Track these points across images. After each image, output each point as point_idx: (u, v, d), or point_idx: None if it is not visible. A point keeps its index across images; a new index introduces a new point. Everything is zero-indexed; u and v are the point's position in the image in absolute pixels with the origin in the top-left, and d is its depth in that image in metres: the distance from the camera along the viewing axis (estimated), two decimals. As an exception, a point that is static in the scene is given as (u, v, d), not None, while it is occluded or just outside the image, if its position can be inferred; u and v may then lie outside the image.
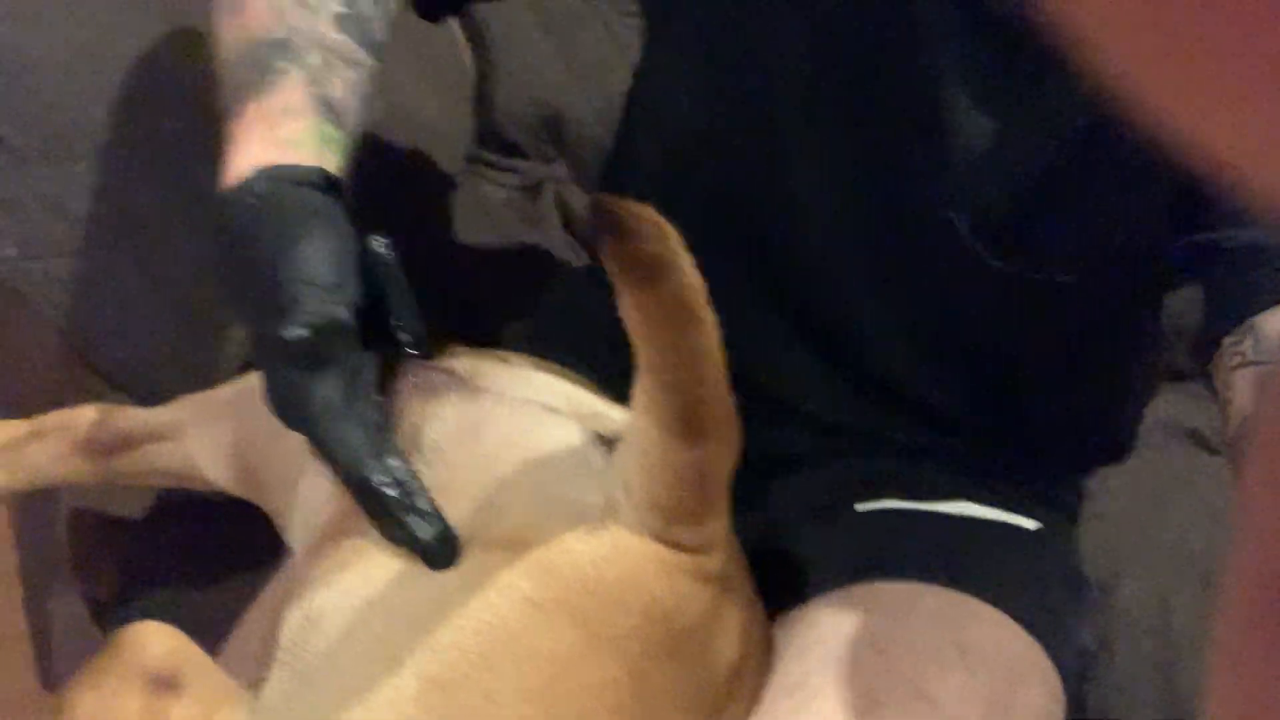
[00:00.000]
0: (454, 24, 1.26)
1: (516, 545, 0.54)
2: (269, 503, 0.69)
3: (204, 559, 0.88)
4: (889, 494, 0.76)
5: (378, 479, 0.54)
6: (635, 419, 0.53)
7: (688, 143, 0.73)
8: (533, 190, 1.29)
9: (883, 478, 0.77)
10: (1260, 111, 0.14)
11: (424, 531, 0.54)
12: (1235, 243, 0.62)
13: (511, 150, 1.32)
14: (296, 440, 0.63)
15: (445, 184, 1.22)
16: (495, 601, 0.52)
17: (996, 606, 0.67)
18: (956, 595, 0.67)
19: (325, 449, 0.55)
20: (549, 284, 1.14)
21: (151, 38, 0.84)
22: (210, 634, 0.86)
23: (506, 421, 0.58)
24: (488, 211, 1.25)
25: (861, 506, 0.76)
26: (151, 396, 0.82)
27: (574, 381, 0.64)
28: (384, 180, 1.02)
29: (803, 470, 0.77)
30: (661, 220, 0.46)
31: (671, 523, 0.54)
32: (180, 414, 0.74)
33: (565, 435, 0.58)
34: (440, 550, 0.54)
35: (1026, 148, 0.63)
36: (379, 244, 0.60)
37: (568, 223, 1.24)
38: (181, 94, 0.83)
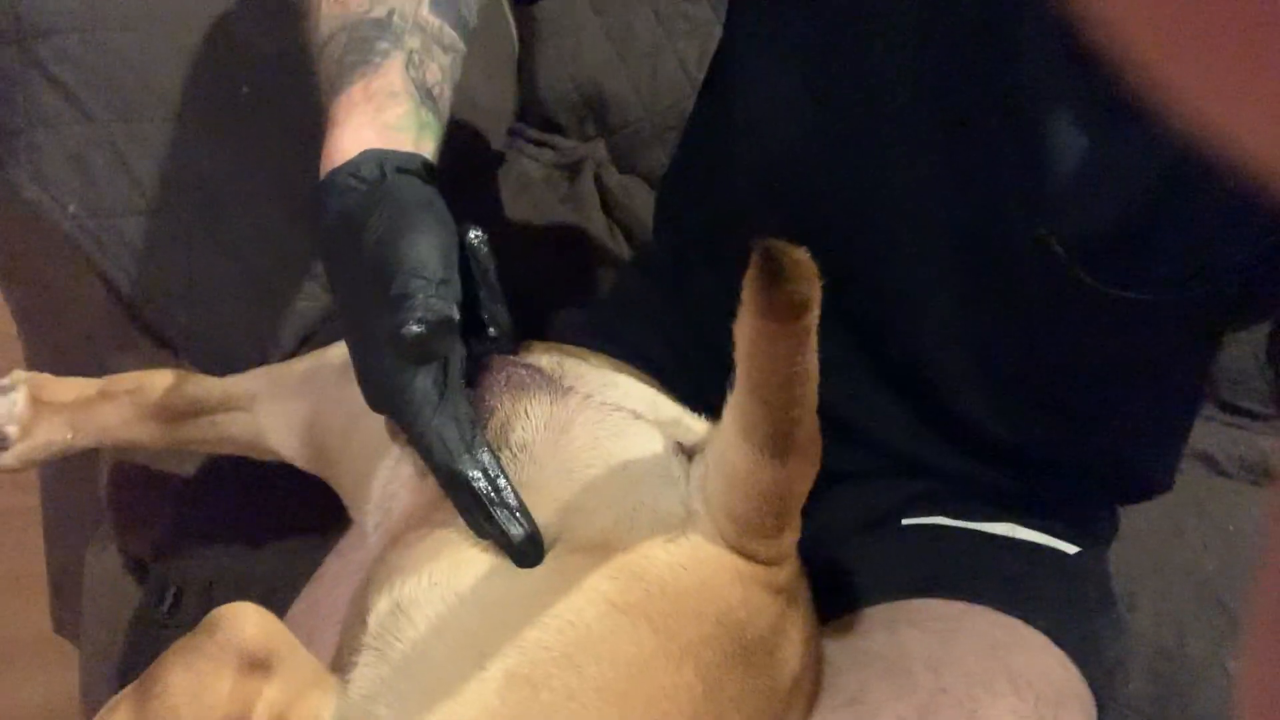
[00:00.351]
0: (504, -1, 1.25)
1: (601, 549, 0.55)
2: (340, 481, 0.70)
3: (249, 524, 0.89)
4: (936, 511, 0.78)
5: (470, 473, 0.55)
6: (725, 433, 0.54)
7: (784, 155, 0.73)
8: (571, 169, 1.29)
9: (930, 495, 0.78)
10: None
11: (512, 528, 0.55)
12: None
13: (551, 127, 1.32)
14: (377, 423, 0.64)
15: (488, 158, 1.22)
16: (580, 603, 0.53)
17: (1041, 631, 0.69)
18: (1004, 618, 0.69)
19: (419, 440, 0.56)
20: (593, 271, 1.14)
21: (229, 1, 0.84)
22: (252, 597, 0.88)
23: (594, 424, 0.59)
24: (527, 188, 1.25)
25: (908, 521, 0.78)
26: (210, 362, 0.82)
27: (652, 386, 0.65)
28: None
29: (851, 483, 0.78)
30: (814, 267, 0.46)
31: (749, 535, 0.56)
32: (255, 385, 0.75)
33: (649, 442, 0.59)
34: (527, 548, 0.55)
35: (1127, 168, 0.62)
36: (477, 238, 0.60)
37: (606, 206, 1.25)
38: (258, 59, 0.83)
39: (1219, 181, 0.61)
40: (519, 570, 0.55)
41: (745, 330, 0.48)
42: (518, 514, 0.55)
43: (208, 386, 0.77)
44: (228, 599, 0.84)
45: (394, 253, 0.55)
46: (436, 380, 0.56)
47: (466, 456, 0.55)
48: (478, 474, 0.55)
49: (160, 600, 0.92)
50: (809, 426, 0.53)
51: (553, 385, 0.61)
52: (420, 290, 0.53)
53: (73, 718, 1.18)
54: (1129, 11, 0.15)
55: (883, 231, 0.70)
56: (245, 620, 0.52)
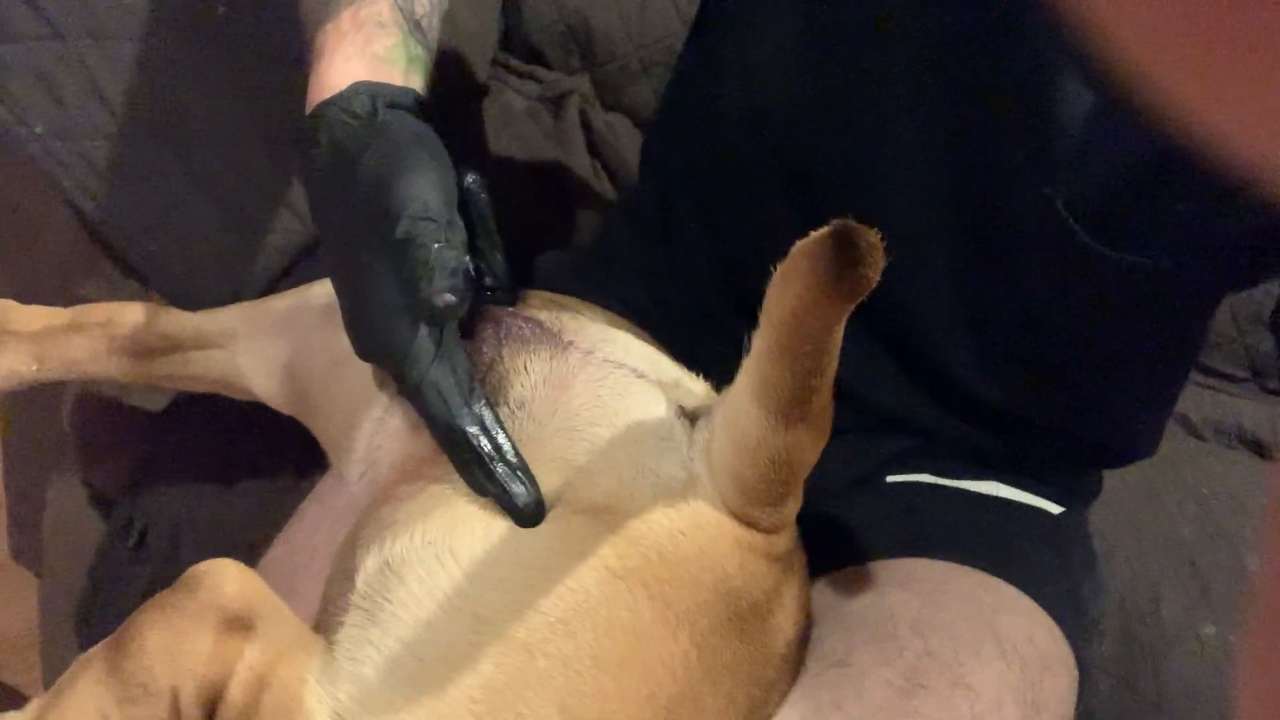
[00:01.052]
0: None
1: (601, 512, 0.53)
2: (320, 427, 0.68)
3: (221, 462, 0.87)
4: (921, 468, 0.77)
5: (469, 429, 0.53)
6: (738, 397, 0.52)
7: (778, 104, 0.71)
8: (555, 103, 1.26)
9: (915, 451, 0.78)
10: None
11: (514, 486, 0.53)
12: None
13: (535, 58, 1.28)
14: (363, 371, 0.62)
15: (472, 88, 1.18)
16: (578, 568, 0.52)
17: (1028, 594, 0.69)
18: (991, 580, 0.69)
19: (415, 393, 0.54)
20: (577, 213, 1.11)
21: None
22: (222, 538, 0.86)
23: (596, 382, 0.57)
24: (510, 121, 1.22)
25: (893, 478, 0.77)
26: (180, 294, 0.79)
27: (651, 343, 0.63)
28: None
29: (836, 439, 0.77)
30: (882, 250, 0.45)
31: (752, 502, 0.54)
32: (232, 322, 0.72)
33: (652, 403, 0.57)
34: (529, 508, 0.53)
35: (1126, 130, 0.60)
36: (475, 182, 0.58)
37: (592, 146, 1.21)
38: (237, -20, 0.78)
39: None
40: (516, 531, 0.53)
41: (790, 299, 0.46)
42: (519, 472, 0.53)
43: (182, 322, 0.74)
44: (196, 539, 0.82)
45: (393, 192, 0.53)
46: (433, 330, 0.54)
47: (465, 411, 0.53)
48: (477, 430, 0.53)
49: (126, 537, 0.90)
50: (825, 396, 0.52)
51: (552, 340, 0.59)
52: (428, 235, 0.51)
53: (29, 648, 1.16)
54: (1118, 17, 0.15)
55: (879, 186, 0.69)
56: (226, 577, 0.49)
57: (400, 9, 0.61)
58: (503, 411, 0.55)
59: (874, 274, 0.44)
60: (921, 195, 0.67)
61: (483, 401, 0.54)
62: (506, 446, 0.53)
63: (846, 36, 0.67)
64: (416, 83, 0.60)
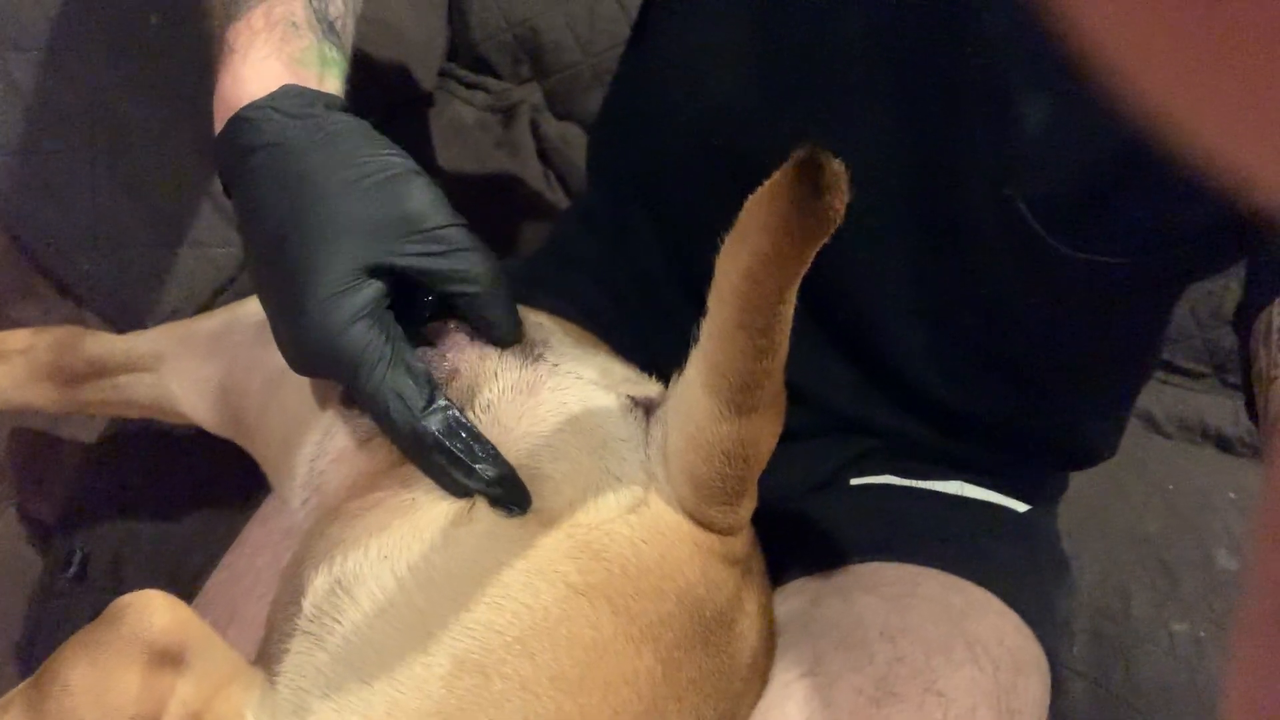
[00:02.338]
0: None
1: (561, 523, 0.51)
2: (258, 449, 0.65)
3: (161, 487, 0.83)
4: (884, 469, 0.76)
5: (434, 429, 0.51)
6: (689, 387, 0.50)
7: (724, 106, 0.69)
8: (506, 113, 1.24)
9: (877, 452, 0.76)
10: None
11: (492, 476, 0.51)
12: None
13: (484, 68, 1.26)
14: (300, 389, 0.59)
15: (418, 99, 1.16)
16: (538, 585, 0.49)
17: (997, 595, 0.67)
18: (959, 582, 0.67)
19: (373, 400, 0.51)
20: (530, 221, 1.09)
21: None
22: (164, 565, 0.82)
23: (562, 390, 0.55)
24: (459, 132, 1.20)
25: (856, 481, 0.76)
26: (117, 312, 0.76)
27: (611, 353, 0.61)
28: (353, 91, 0.97)
29: (796, 442, 0.76)
30: (848, 181, 0.43)
31: (707, 500, 0.52)
32: (161, 344, 0.68)
33: (614, 410, 0.55)
34: (514, 493, 0.51)
35: (1087, 129, 0.60)
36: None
37: (543, 154, 1.20)
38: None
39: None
40: (477, 544, 0.50)
41: (745, 256, 0.44)
42: (495, 461, 0.51)
43: (109, 345, 0.70)
44: (139, 567, 0.79)
45: (392, 199, 0.52)
46: (387, 333, 0.52)
47: (430, 411, 0.51)
48: (443, 428, 0.51)
49: (66, 567, 0.86)
50: (776, 382, 0.50)
51: (524, 348, 0.57)
52: (468, 242, 0.53)
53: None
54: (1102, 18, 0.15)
55: None
56: (153, 609, 0.46)
57: (314, 10, 0.59)
58: (468, 414, 0.53)
59: (840, 205, 0.42)
60: (878, 195, 0.65)
61: (444, 401, 0.52)
62: (478, 437, 0.51)
63: (796, 31, 0.65)
64: (333, 86, 0.58)
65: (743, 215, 0.44)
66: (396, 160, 0.54)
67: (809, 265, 0.45)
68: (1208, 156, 0.15)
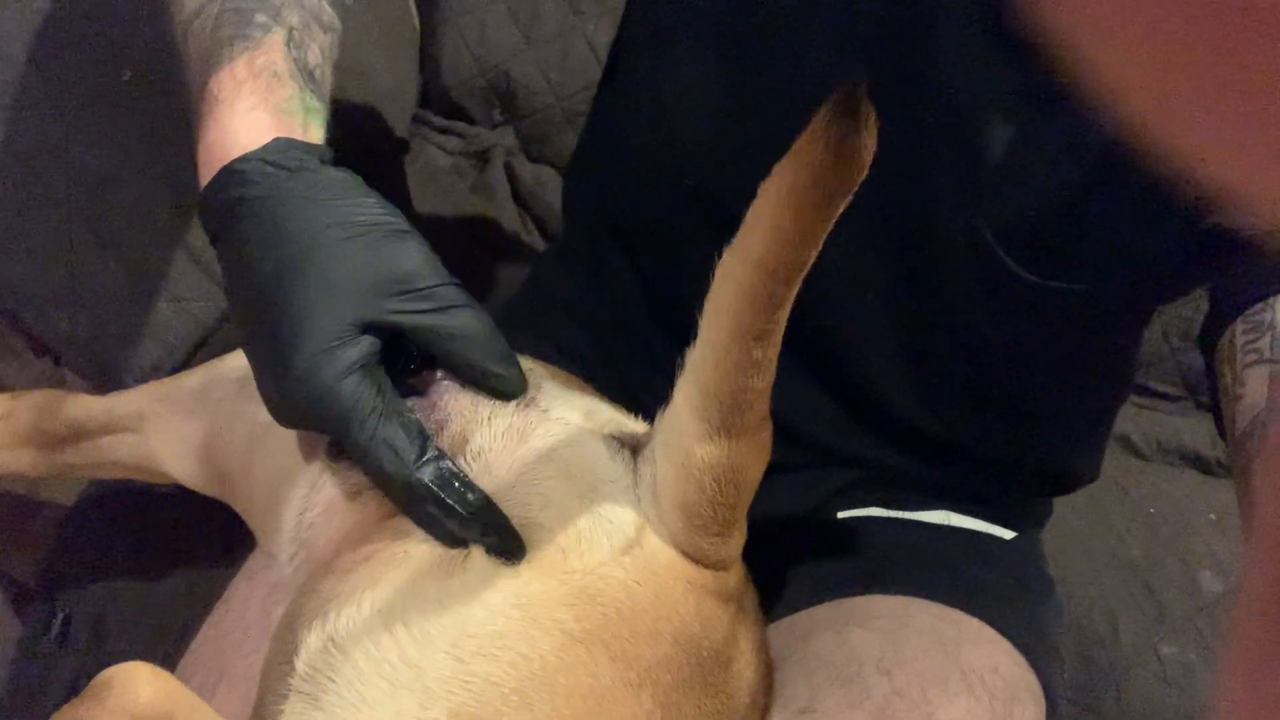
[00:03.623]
0: (407, -23, 1.20)
1: (555, 570, 0.51)
2: (243, 504, 0.64)
3: (145, 545, 0.82)
4: (869, 501, 0.76)
5: (428, 480, 0.51)
6: (677, 415, 0.51)
7: (696, 146, 0.70)
8: (480, 158, 1.25)
9: (861, 485, 0.77)
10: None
11: (488, 525, 0.50)
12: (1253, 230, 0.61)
13: (457, 113, 1.27)
14: (285, 443, 0.59)
15: (391, 145, 1.16)
16: (534, 633, 0.49)
17: (987, 623, 0.67)
18: (950, 612, 0.67)
19: (366, 452, 0.51)
20: (506, 264, 1.10)
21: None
22: (147, 625, 0.81)
23: (551, 436, 0.55)
24: (434, 177, 1.20)
25: (843, 514, 0.76)
26: (96, 370, 0.76)
27: (594, 393, 0.61)
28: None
29: (780, 474, 0.76)
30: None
31: (698, 531, 0.52)
32: (142, 403, 0.67)
33: (600, 449, 0.55)
34: (510, 543, 0.50)
35: (1050, 159, 0.61)
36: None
37: (518, 197, 1.20)
38: (141, 42, 0.76)
39: (1145, 170, 0.60)
40: (471, 595, 0.50)
41: (743, 254, 0.45)
42: (490, 511, 0.51)
43: (88, 407, 0.69)
44: (121, 627, 0.77)
45: (386, 256, 0.52)
46: (378, 386, 0.52)
47: (423, 463, 0.51)
48: (437, 479, 0.51)
49: (48, 629, 0.85)
50: (763, 406, 0.50)
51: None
52: (461, 299, 0.53)
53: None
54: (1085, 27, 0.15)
55: None
56: (138, 681, 0.46)
57: (294, 59, 0.59)
58: (459, 462, 0.53)
59: (872, 143, 0.43)
60: (851, 232, 0.66)
61: (436, 451, 0.52)
62: (471, 487, 0.51)
63: (764, 70, 0.66)
64: (316, 135, 0.58)
65: (774, 173, 0.46)
66: (389, 218, 0.54)
67: (804, 271, 0.46)
68: (1191, 170, 0.15)
